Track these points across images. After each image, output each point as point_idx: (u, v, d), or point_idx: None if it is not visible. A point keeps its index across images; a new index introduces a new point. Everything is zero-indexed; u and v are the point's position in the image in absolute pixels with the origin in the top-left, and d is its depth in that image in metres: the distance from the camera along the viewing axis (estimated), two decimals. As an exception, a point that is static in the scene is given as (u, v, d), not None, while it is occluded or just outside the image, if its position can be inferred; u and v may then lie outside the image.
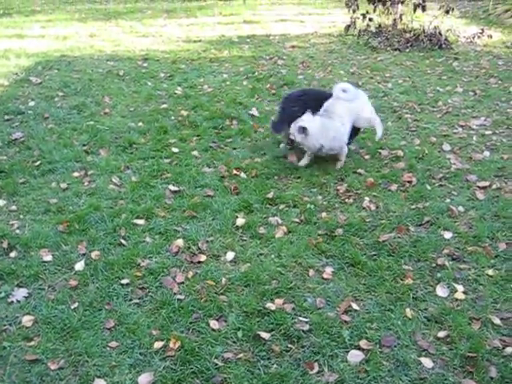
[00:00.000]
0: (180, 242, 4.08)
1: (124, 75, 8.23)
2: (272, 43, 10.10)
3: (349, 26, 10.36)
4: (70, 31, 11.40)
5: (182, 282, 3.69)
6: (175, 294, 3.58)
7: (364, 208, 4.63)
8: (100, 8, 14.27)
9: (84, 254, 3.99)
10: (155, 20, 12.49)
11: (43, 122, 6.50)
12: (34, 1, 15.39)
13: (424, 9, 9.87)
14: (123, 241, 4.11)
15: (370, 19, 10.23)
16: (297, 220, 4.41)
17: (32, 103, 7.10)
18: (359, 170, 5.21)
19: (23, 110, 6.88)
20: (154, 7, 14.27)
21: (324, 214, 4.49)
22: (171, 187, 4.91)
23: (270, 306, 3.48)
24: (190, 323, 3.37)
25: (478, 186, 4.96)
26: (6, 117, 6.66)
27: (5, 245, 4.10)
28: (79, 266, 3.85)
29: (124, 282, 3.70)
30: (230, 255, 3.97)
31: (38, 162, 5.46)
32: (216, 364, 3.08)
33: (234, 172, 5.13)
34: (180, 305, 3.49)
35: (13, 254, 4.01)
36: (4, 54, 9.41)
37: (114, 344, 3.20)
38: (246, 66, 8.51)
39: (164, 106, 6.88)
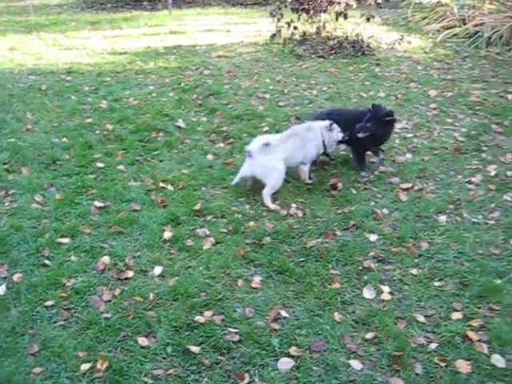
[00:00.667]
0: (106, 259, 4.01)
1: (47, 89, 8.02)
2: (198, 53, 10.09)
3: (274, 34, 10.47)
4: (-12, 45, 11.02)
5: (109, 300, 3.62)
6: (102, 312, 3.51)
7: (291, 215, 4.68)
8: (20, 20, 13.84)
9: (5, 278, 3.85)
10: (79, 32, 12.23)
11: (-42, 141, 6.25)
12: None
13: (346, 17, 10.11)
14: (47, 261, 4.00)
15: (295, 27, 10.38)
16: (225, 230, 4.42)
17: None
18: (286, 178, 5.25)
19: None
20: (78, 19, 13.97)
21: (252, 223, 4.51)
22: (97, 203, 4.81)
23: (199, 318, 3.46)
24: (118, 342, 3.31)
25: (401, 188, 5.11)
26: None
27: None
28: (0, 290, 3.71)
29: (48, 303, 3.59)
30: (158, 270, 3.93)
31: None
32: (145, 382, 3.04)
33: (161, 185, 5.09)
34: (107, 324, 3.42)
35: None
36: None
37: (38, 370, 3.10)
38: (172, 77, 8.46)
39: (89, 120, 6.75)
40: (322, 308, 3.62)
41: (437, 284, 3.84)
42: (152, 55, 9.97)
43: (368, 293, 3.77)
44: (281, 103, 7.25)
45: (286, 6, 10.52)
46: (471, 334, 3.36)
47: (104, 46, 10.86)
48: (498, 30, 9.72)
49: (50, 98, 7.70)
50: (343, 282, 3.87)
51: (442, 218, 4.61)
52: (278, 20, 10.31)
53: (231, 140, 6.10)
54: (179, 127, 6.44)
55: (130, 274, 3.87)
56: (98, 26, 13.07)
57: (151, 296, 3.64)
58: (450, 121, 6.65)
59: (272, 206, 4.75)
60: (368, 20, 10.13)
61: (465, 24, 10.71)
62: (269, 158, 4.82)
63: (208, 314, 3.51)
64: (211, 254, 4.09)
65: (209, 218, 4.60)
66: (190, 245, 4.20)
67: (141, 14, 14.56)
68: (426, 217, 4.64)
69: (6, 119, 6.84)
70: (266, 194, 4.81)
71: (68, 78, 8.56)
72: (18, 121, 6.81)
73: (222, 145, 6.01)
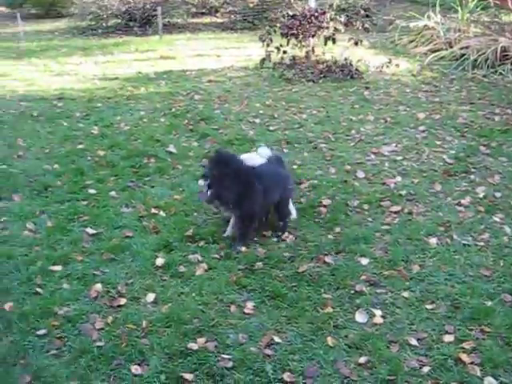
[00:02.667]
0: (99, 286, 4.00)
1: (38, 116, 8.05)
2: (189, 78, 10.17)
3: (264, 59, 10.57)
4: (-22, 72, 11.07)
5: (102, 328, 3.61)
6: (95, 341, 3.49)
7: (283, 240, 4.70)
8: (11, 46, 13.92)
9: (-4, 308, 3.84)
10: (70, 58, 12.31)
11: (-50, 168, 6.25)
12: None
13: (334, 41, 10.27)
14: (39, 289, 3.99)
15: (284, 52, 10.50)
16: (217, 256, 4.43)
17: None
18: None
19: None
20: (69, 45, 14.07)
21: (244, 249, 4.52)
22: (89, 230, 4.81)
23: (193, 345, 3.46)
24: (111, 370, 3.30)
25: (391, 211, 5.15)
26: None
27: None
28: (-9, 320, 3.70)
29: (40, 332, 3.57)
30: (151, 297, 3.93)
31: None
32: (139, 411, 3.02)
33: (153, 211, 5.10)
34: (100, 352, 3.40)
35: None
36: None
37: (30, 401, 3.08)
38: (163, 103, 8.52)
39: (80, 146, 6.78)
40: (315, 333, 3.62)
41: (428, 307, 3.86)
42: (143, 80, 10.04)
43: (360, 317, 3.78)
44: (271, 127, 7.32)
45: (275, 31, 10.65)
46: (464, 357, 3.37)
47: (95, 71, 10.93)
48: (483, 53, 9.88)
49: (41, 124, 7.72)
50: (336, 306, 3.88)
51: (433, 241, 4.64)
52: (268, 45, 10.44)
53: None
54: (171, 153, 6.48)
55: (123, 301, 3.87)
56: (89, 51, 13.16)
57: (144, 323, 3.64)
58: (439, 143, 6.73)
59: None
60: (356, 44, 10.30)
61: (451, 47, 10.89)
62: None
63: (201, 340, 3.51)
64: (204, 280, 4.10)
65: (201, 243, 4.61)
66: (182, 271, 4.20)
67: (132, 40, 14.68)
68: (417, 239, 4.68)
69: (-5, 146, 6.86)
70: None
71: (59, 104, 8.60)
72: (8, 147, 6.83)
73: (212, 170, 6.05)
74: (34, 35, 15.70)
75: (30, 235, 4.77)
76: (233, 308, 3.84)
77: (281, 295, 3.95)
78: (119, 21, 16.70)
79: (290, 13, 11.10)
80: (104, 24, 16.73)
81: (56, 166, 6.19)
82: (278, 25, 11.09)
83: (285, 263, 4.35)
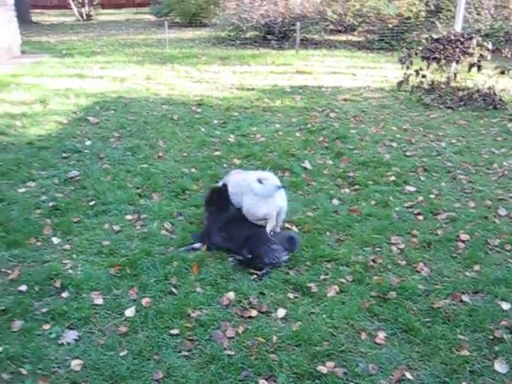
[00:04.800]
0: (231, 294, 4.04)
1: (178, 119, 8.39)
2: (324, 95, 10.17)
3: (401, 81, 10.38)
4: (128, 73, 11.76)
5: (233, 337, 3.63)
6: (225, 349, 3.52)
7: (417, 271, 4.52)
8: (157, 52, 14.70)
9: (135, 300, 3.99)
10: (209, 66, 12.77)
11: (98, 162, 6.64)
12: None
13: (480, 68, 9.85)
14: (174, 289, 4.10)
15: (423, 76, 10.24)
16: (349, 279, 4.33)
17: (88, 142, 7.29)
18: (413, 231, 5.11)
19: (80, 148, 7.06)
20: (209, 53, 14.62)
21: (376, 275, 4.39)
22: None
23: (322, 368, 3.39)
24: (240, 381, 3.30)
25: (538, 255, 4.80)
26: (64, 154, 6.84)
27: (57, 284, 4.14)
28: (129, 312, 3.85)
29: (174, 332, 3.66)
30: (281, 312, 3.90)
31: (93, 202, 5.55)
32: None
33: (286, 225, 5.10)
34: (230, 361, 3.42)
35: (64, 295, 4.04)
36: (65, 92, 9.75)
37: (161, 397, 3.16)
38: (299, 117, 8.56)
39: (217, 153, 6.96)
40: (449, 375, 3.42)
41: None
42: (279, 93, 10.17)
43: (500, 366, 3.53)
44: (408, 153, 7.11)
45: (416, 54, 10.41)
46: None
47: (233, 81, 11.24)
48: None
49: (180, 127, 8.04)
50: (472, 349, 3.65)
51: None
52: (408, 67, 10.22)
53: (357, 186, 6.04)
54: (305, 168, 6.47)
55: (254, 313, 3.87)
56: (227, 61, 13.59)
57: (274, 339, 3.62)
58: None
59: None
60: (502, 73, 9.80)
61: None
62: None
63: (330, 364, 3.43)
64: (335, 303, 4.02)
65: (333, 264, 4.53)
66: (314, 291, 4.14)
67: (268, 52, 14.99)
68: None
69: (140, 145, 7.20)
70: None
71: (198, 110, 8.91)
72: (150, 147, 7.16)
73: (347, 190, 5.96)
74: (177, 42, 16.51)
75: (167, 235, 4.94)
76: (363, 335, 3.73)
77: (414, 329, 3.78)
78: (257, 33, 17.15)
79: (434, 36, 10.80)
80: (242, 35, 17.26)
81: (193, 170, 6.38)
82: (420, 47, 10.85)
83: (419, 296, 4.17)
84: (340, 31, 18.37)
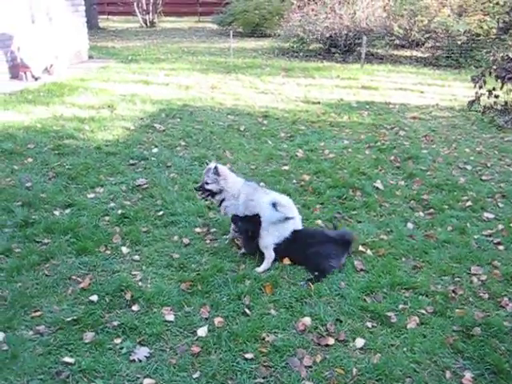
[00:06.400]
0: (307, 320, 3.86)
1: (244, 131, 8.30)
2: (392, 112, 9.91)
3: (473, 101, 9.99)
4: (192, 81, 11.77)
5: (310, 366, 3.46)
6: (303, 378, 3.35)
7: (502, 306, 4.24)
8: (220, 61, 14.71)
9: (207, 319, 3.87)
10: (274, 77, 12.67)
11: (166, 171, 6.60)
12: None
13: (559, 91, 9.42)
14: (247, 310, 3.95)
15: (496, 96, 9.84)
16: (429, 310, 4.08)
17: (155, 150, 7.27)
18: (494, 262, 4.82)
19: (147, 155, 7.04)
20: (272, 64, 14.53)
21: (458, 308, 4.13)
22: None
23: (405, 408, 3.18)
24: (319, 416, 3.13)
25: None
26: (131, 161, 6.83)
27: (128, 296, 4.06)
28: (202, 331, 3.72)
29: (248, 356, 3.52)
30: (360, 342, 3.70)
31: (161, 212, 5.49)
32: None
33: (360, 248, 4.89)
34: (308, 392, 3.25)
35: (135, 308, 3.96)
36: (131, 98, 9.81)
37: (238, 427, 3.01)
38: (367, 134, 8.34)
39: (285, 167, 6.81)
40: (545, 426, 3.16)
41: None
42: (345, 108, 9.97)
43: None
44: (484, 177, 6.78)
45: (490, 73, 10.02)
46: None
47: (297, 93, 11.10)
48: None
49: (247, 139, 7.94)
50: None
51: None
52: (480, 87, 9.84)
53: (432, 210, 5.78)
54: (377, 188, 6.25)
55: (331, 341, 3.69)
56: (292, 72, 13.48)
57: (354, 371, 3.43)
58: None
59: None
60: None
61: None
62: None
63: (417, 404, 3.22)
64: (415, 336, 3.79)
65: (411, 293, 4.30)
66: (393, 321, 3.92)
67: (332, 66, 14.80)
68: None
69: (207, 155, 7.13)
70: None
71: (264, 122, 8.80)
72: (217, 158, 7.07)
73: (421, 214, 5.71)
74: (240, 52, 16.50)
75: (238, 251, 4.80)
76: (448, 374, 3.49)
77: (503, 371, 3.52)
78: (321, 46, 17.00)
79: (511, 55, 10.37)
80: (306, 47, 17.14)
81: (262, 184, 6.25)
82: (494, 66, 10.44)
83: (506, 334, 3.89)
84: (404, 46, 18.01)
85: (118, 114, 8.91)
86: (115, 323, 3.76)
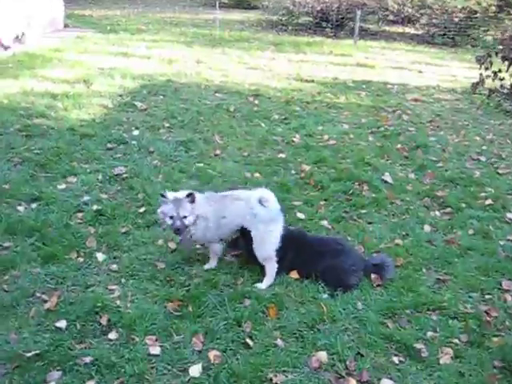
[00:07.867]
0: (322, 355, 3.18)
1: (235, 111, 7.56)
2: (391, 93, 9.25)
3: (477, 83, 9.34)
4: (176, 55, 10.96)
5: (330, 419, 2.81)
6: None
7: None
8: (205, 33, 13.86)
9: (200, 352, 3.17)
10: (263, 52, 11.92)
11: (148, 157, 5.88)
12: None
13: None
14: (249, 340, 3.26)
15: (501, 79, 9.20)
16: (463, 340, 3.44)
17: (136, 132, 6.52)
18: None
19: (127, 138, 6.30)
20: (261, 38, 13.74)
21: (495, 336, 3.50)
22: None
23: None
24: None
25: None
26: (109, 145, 6.09)
27: (103, 321, 3.37)
28: (195, 370, 3.03)
29: (254, 405, 2.85)
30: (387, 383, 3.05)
31: (143, 209, 4.78)
32: None
33: (374, 255, 4.23)
34: None
35: (112, 336, 3.26)
36: (110, 72, 8.99)
37: None
38: (368, 118, 7.66)
39: (282, 155, 6.11)
40: None
41: None
42: (341, 88, 9.27)
43: None
44: (500, 170, 6.15)
45: (496, 54, 9.36)
46: None
47: (289, 70, 10.39)
48: None
49: (238, 121, 7.21)
50: None
51: None
52: (486, 68, 9.18)
53: (449, 209, 5.14)
54: (386, 182, 5.58)
55: (352, 382, 3.02)
56: (281, 47, 12.73)
57: (383, 424, 2.79)
58: None
59: None
60: None
61: None
62: None
63: None
64: (451, 375, 3.15)
65: (438, 314, 3.65)
66: (424, 355, 3.27)
67: (323, 41, 14.09)
68: None
69: (193, 139, 6.41)
70: None
71: (256, 102, 8.07)
72: (206, 143, 6.37)
73: (438, 213, 5.07)
74: (226, 24, 15.67)
75: (234, 261, 4.11)
76: (495, 427, 2.88)
77: (559, 423, 2.91)
78: (311, 19, 16.20)
79: (519, 35, 9.74)
80: (295, 21, 16.34)
81: (257, 174, 5.57)
82: (500, 46, 9.80)
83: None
84: (396, 22, 17.29)
85: (94, 89, 8.07)
86: (87, 359, 3.03)
